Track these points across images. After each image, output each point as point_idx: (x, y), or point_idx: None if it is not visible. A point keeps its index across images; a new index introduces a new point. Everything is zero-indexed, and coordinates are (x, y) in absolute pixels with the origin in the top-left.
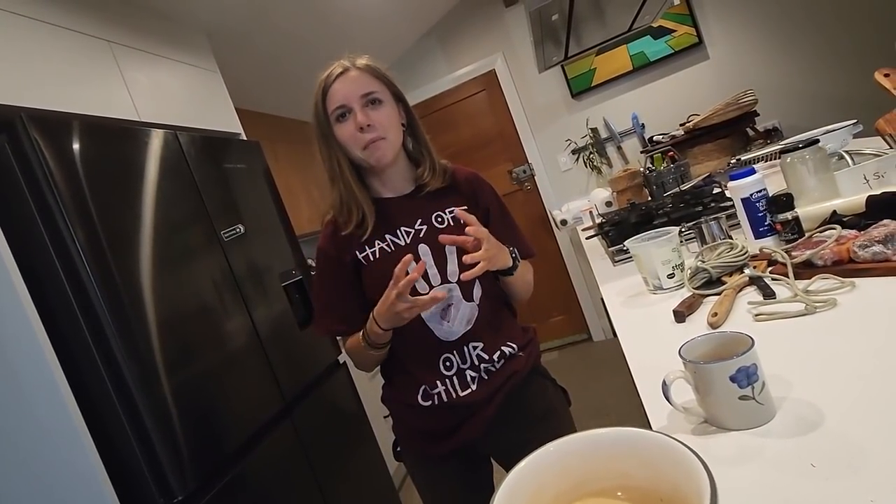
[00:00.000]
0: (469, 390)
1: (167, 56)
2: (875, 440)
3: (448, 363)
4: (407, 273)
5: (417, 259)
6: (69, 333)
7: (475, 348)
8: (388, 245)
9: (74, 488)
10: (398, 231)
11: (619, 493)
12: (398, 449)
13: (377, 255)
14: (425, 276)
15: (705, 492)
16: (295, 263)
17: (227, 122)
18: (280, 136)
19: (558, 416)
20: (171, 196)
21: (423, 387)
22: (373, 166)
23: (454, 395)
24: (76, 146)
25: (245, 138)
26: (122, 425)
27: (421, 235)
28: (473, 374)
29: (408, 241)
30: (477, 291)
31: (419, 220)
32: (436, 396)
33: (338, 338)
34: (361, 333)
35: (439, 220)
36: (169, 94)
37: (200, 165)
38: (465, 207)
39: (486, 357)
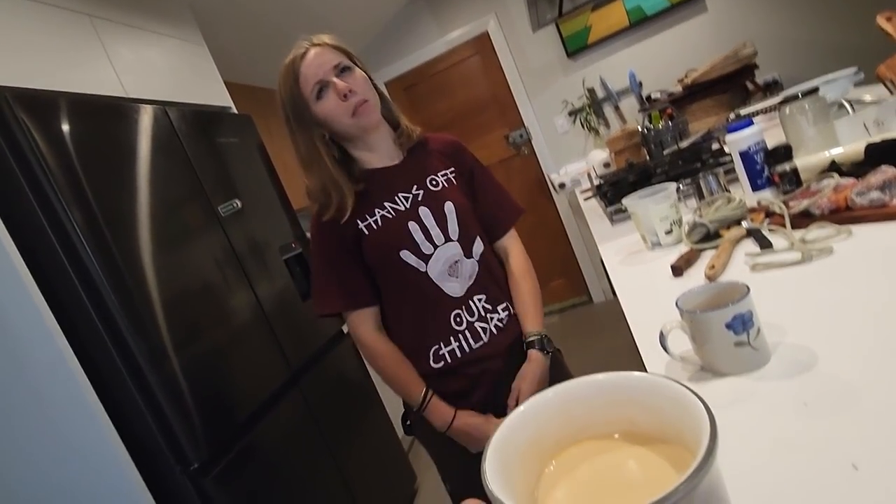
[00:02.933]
0: (481, 342)
1: (150, 29)
2: (866, 379)
3: (458, 319)
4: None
5: (420, 222)
6: (76, 314)
7: (480, 300)
8: (388, 212)
9: (94, 461)
10: (396, 197)
11: (616, 436)
12: (408, 423)
13: (379, 224)
14: (428, 237)
15: (705, 429)
16: (294, 237)
17: (217, 95)
18: (273, 110)
19: (559, 365)
20: (165, 173)
21: (433, 348)
22: (363, 130)
23: (467, 349)
24: (65, 126)
25: (236, 112)
26: (135, 400)
27: (420, 199)
28: (483, 325)
29: (407, 206)
30: (477, 248)
31: (415, 185)
32: (448, 354)
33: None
34: (422, 393)
35: (434, 183)
36: (155, 68)
37: (192, 141)
38: (454, 169)
39: (491, 307)
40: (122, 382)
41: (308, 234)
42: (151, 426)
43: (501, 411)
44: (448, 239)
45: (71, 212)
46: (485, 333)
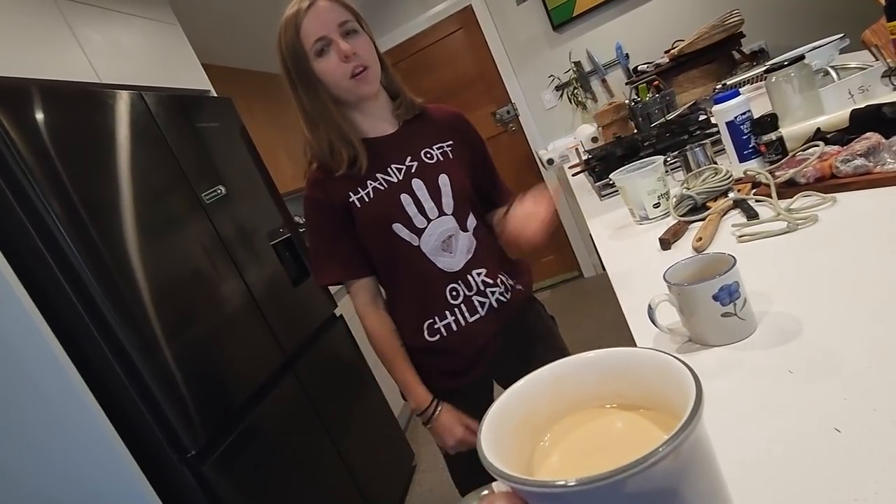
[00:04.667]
0: (477, 315)
1: (120, 10)
2: (849, 345)
3: (455, 293)
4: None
5: (413, 195)
6: (60, 306)
7: (479, 275)
8: (380, 184)
9: (91, 455)
10: (389, 169)
11: (608, 406)
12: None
13: (371, 196)
14: (422, 210)
15: (691, 391)
16: (282, 221)
17: (195, 79)
18: (254, 91)
19: (554, 335)
20: (144, 160)
21: (428, 321)
22: (360, 97)
23: (463, 323)
24: (38, 114)
25: (216, 95)
26: (127, 390)
27: (413, 171)
28: (482, 299)
29: (400, 178)
30: (471, 222)
31: (409, 157)
32: (443, 328)
33: (340, 285)
34: (403, 370)
35: (428, 155)
36: (127, 51)
37: (171, 126)
38: (452, 143)
39: (491, 282)
40: (113, 374)
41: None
42: (147, 416)
43: (494, 378)
44: (442, 212)
45: (49, 203)
46: (482, 307)
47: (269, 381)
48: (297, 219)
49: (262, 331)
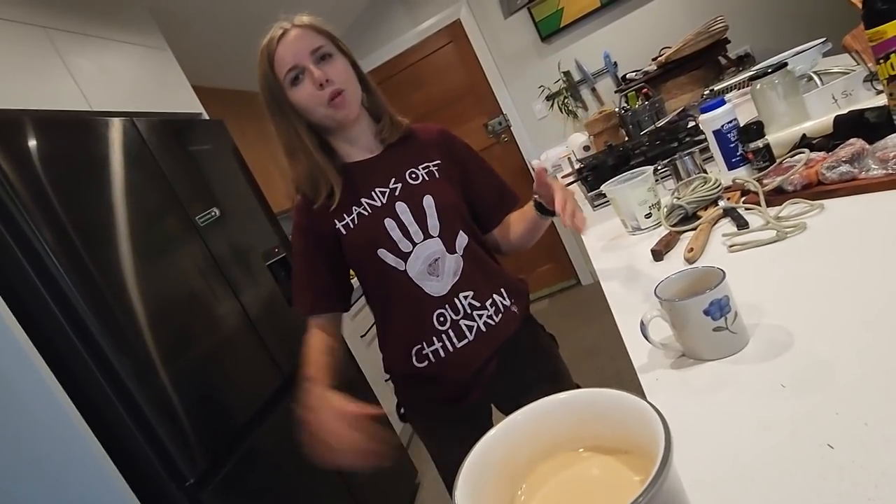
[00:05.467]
0: (466, 341)
1: (110, 37)
2: (840, 356)
3: (442, 318)
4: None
5: (396, 218)
6: (53, 334)
7: (465, 297)
8: (364, 209)
9: (86, 486)
10: (372, 193)
11: (581, 450)
12: (402, 411)
13: (356, 222)
14: (406, 234)
15: (661, 440)
16: (277, 241)
17: (186, 102)
18: (246, 111)
19: (553, 357)
20: (138, 186)
21: (415, 348)
22: (339, 123)
23: (450, 349)
24: (30, 145)
25: (207, 118)
26: (122, 418)
27: (396, 194)
28: (470, 323)
29: (384, 202)
30: (461, 242)
31: (392, 179)
32: (431, 354)
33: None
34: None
35: (413, 176)
36: (118, 78)
37: (164, 151)
38: (439, 162)
39: (479, 304)
40: (108, 402)
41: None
42: (143, 445)
43: (490, 402)
44: (428, 235)
45: (41, 232)
46: (471, 332)
47: (268, 404)
48: (290, 237)
49: (259, 352)
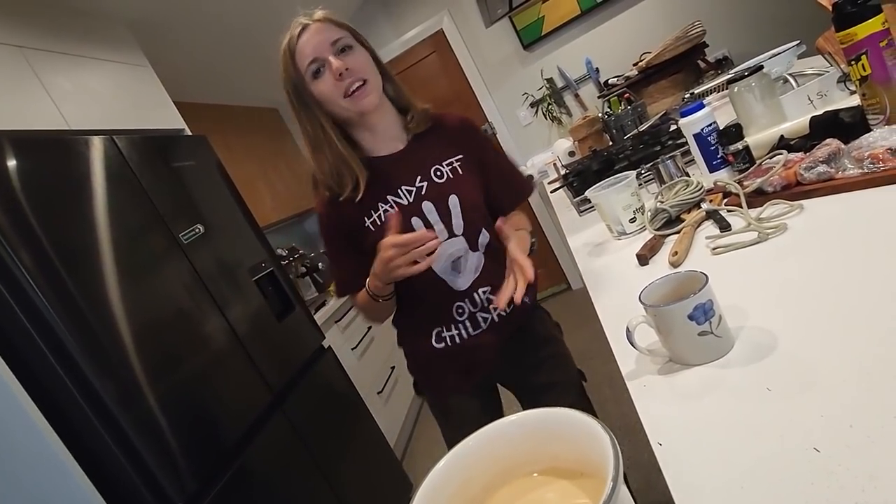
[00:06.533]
0: (480, 330)
1: (88, 55)
2: (823, 357)
3: (461, 310)
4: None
5: (423, 217)
6: (32, 360)
7: (484, 293)
8: (391, 206)
9: None
10: (399, 191)
11: (535, 474)
12: (416, 383)
13: (383, 219)
14: (434, 231)
15: (610, 462)
16: (265, 256)
17: (168, 118)
18: (230, 126)
19: (557, 341)
20: (118, 204)
21: (436, 329)
22: (361, 113)
23: (466, 337)
24: (9, 164)
25: (190, 133)
26: (106, 443)
27: (423, 193)
28: (485, 315)
29: (411, 200)
30: (483, 239)
31: (419, 178)
32: (448, 339)
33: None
34: (367, 288)
35: (438, 174)
36: (97, 96)
37: (145, 168)
38: (462, 157)
39: (495, 299)
40: (92, 428)
41: (279, 250)
42: (127, 468)
43: (499, 380)
44: (452, 234)
45: (17, 254)
46: (485, 322)
47: (256, 422)
48: (279, 251)
49: (246, 370)
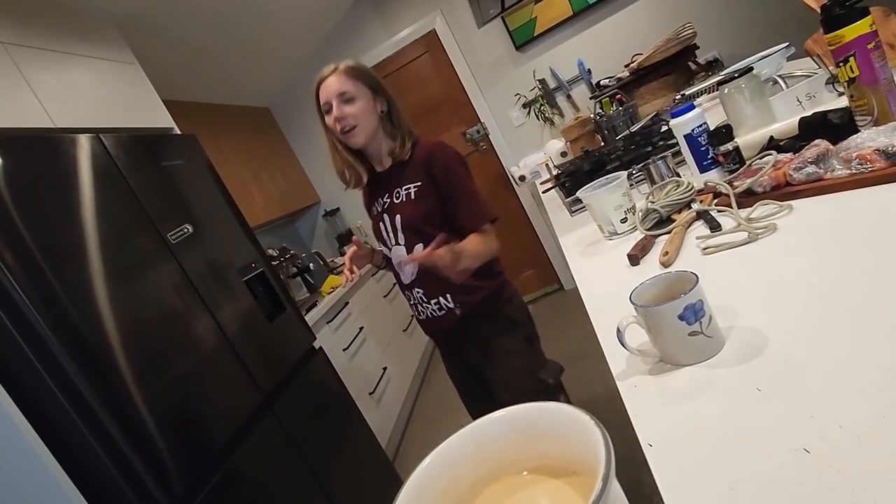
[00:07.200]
0: (423, 317)
1: (75, 52)
2: (813, 357)
3: (409, 298)
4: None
5: (384, 224)
6: (15, 363)
7: (418, 292)
8: (374, 209)
9: None
10: (380, 199)
11: (525, 473)
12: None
13: (373, 214)
14: (388, 236)
15: (601, 458)
16: (255, 256)
17: (156, 117)
18: (220, 125)
19: (495, 348)
20: (104, 204)
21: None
22: (352, 147)
23: (418, 317)
24: None
25: (179, 132)
26: (92, 446)
27: (385, 207)
28: (423, 308)
29: (381, 210)
30: (418, 251)
31: (387, 195)
32: (411, 308)
33: None
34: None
35: (397, 195)
36: (84, 94)
37: (132, 167)
38: (420, 184)
39: (426, 300)
40: (77, 431)
41: (269, 251)
42: (113, 472)
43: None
44: (396, 243)
45: (0, 256)
46: (424, 314)
47: (246, 424)
48: (269, 251)
49: (236, 371)
